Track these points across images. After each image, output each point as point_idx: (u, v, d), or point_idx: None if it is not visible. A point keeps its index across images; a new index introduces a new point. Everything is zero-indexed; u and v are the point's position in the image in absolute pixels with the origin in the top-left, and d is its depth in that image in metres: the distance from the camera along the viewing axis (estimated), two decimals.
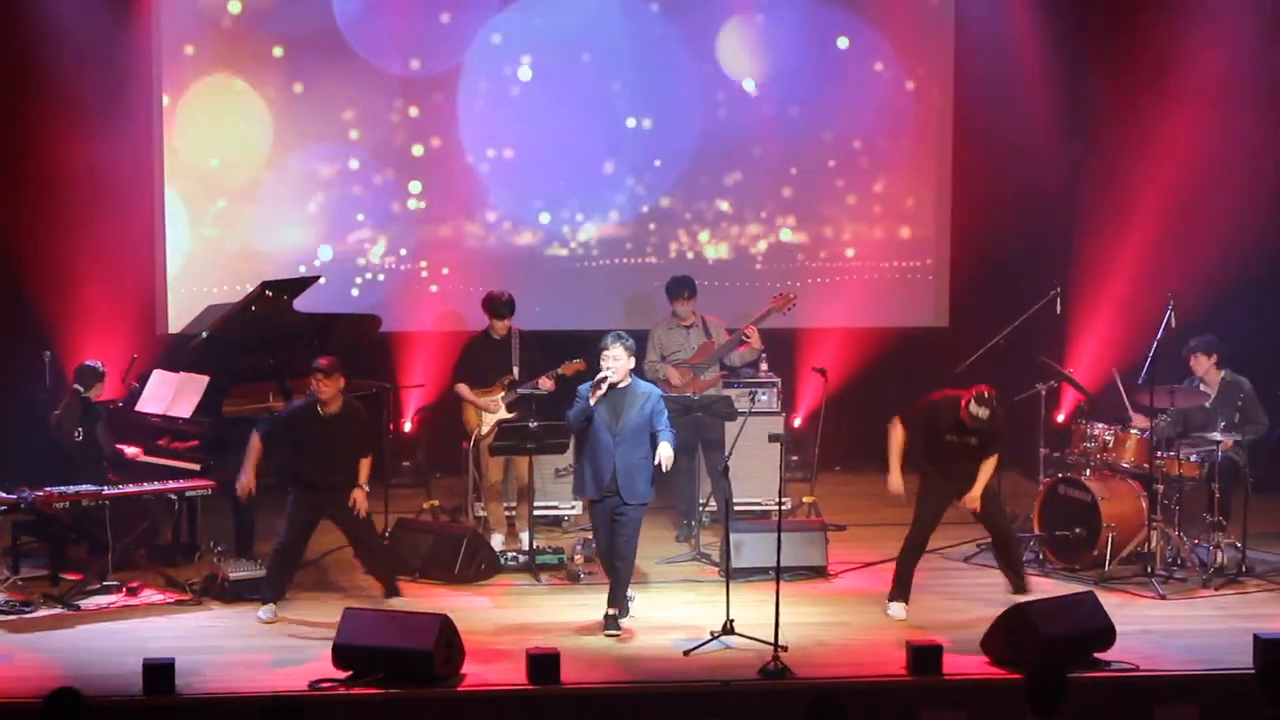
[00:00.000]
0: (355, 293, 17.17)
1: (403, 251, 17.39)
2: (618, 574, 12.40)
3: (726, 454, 13.32)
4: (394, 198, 17.36)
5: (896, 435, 13.36)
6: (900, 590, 13.07)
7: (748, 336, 15.03)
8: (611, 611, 12.37)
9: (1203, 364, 14.52)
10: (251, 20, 17.02)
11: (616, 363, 12.28)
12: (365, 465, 13.19)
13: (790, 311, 15.34)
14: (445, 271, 17.42)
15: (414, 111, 17.28)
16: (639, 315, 17.03)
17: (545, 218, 17.55)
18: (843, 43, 17.68)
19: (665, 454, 12.28)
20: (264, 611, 12.78)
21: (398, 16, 17.20)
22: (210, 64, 17.01)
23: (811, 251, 17.87)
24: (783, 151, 17.77)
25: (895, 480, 13.37)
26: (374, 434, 13.64)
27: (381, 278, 17.36)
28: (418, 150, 17.34)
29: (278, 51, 17.03)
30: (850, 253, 17.91)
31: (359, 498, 13.11)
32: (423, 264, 17.45)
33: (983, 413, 12.90)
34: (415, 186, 17.36)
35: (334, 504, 13.07)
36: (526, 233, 17.58)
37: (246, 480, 13.16)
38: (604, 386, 12.25)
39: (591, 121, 17.53)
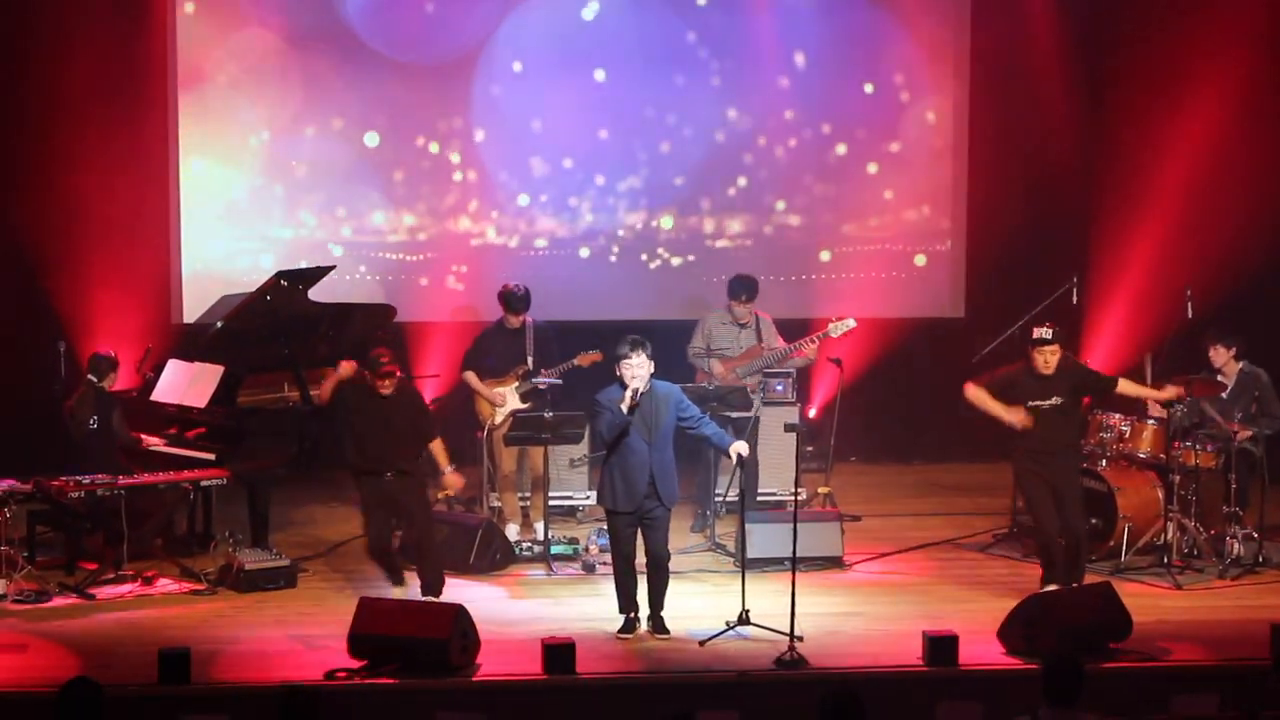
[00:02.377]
0: (370, 283, 17.16)
1: (420, 241, 17.40)
2: (661, 577, 12.22)
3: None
4: (410, 188, 17.37)
5: (979, 393, 12.98)
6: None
7: (805, 349, 14.98)
8: (661, 614, 12.21)
9: (1222, 355, 14.43)
10: (265, 15, 17.05)
11: (640, 369, 11.94)
12: (439, 449, 13.47)
13: (844, 336, 15.21)
14: (461, 265, 17.42)
15: (431, 102, 17.29)
16: (657, 307, 17.07)
17: (563, 209, 17.55)
18: (858, 32, 17.67)
19: (743, 448, 12.20)
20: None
21: (412, 8, 17.21)
22: (225, 57, 17.02)
23: (827, 242, 17.86)
24: (798, 143, 17.76)
25: (1015, 413, 12.91)
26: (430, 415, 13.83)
27: (397, 268, 17.37)
28: (435, 143, 17.35)
29: (291, 47, 17.06)
30: (866, 243, 17.90)
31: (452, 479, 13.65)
32: (438, 254, 17.44)
33: (1047, 334, 12.79)
34: (432, 177, 17.37)
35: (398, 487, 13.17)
36: (545, 224, 17.57)
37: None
38: (633, 397, 11.87)
39: (611, 114, 17.53)
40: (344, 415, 13.28)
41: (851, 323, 15.04)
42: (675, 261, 17.58)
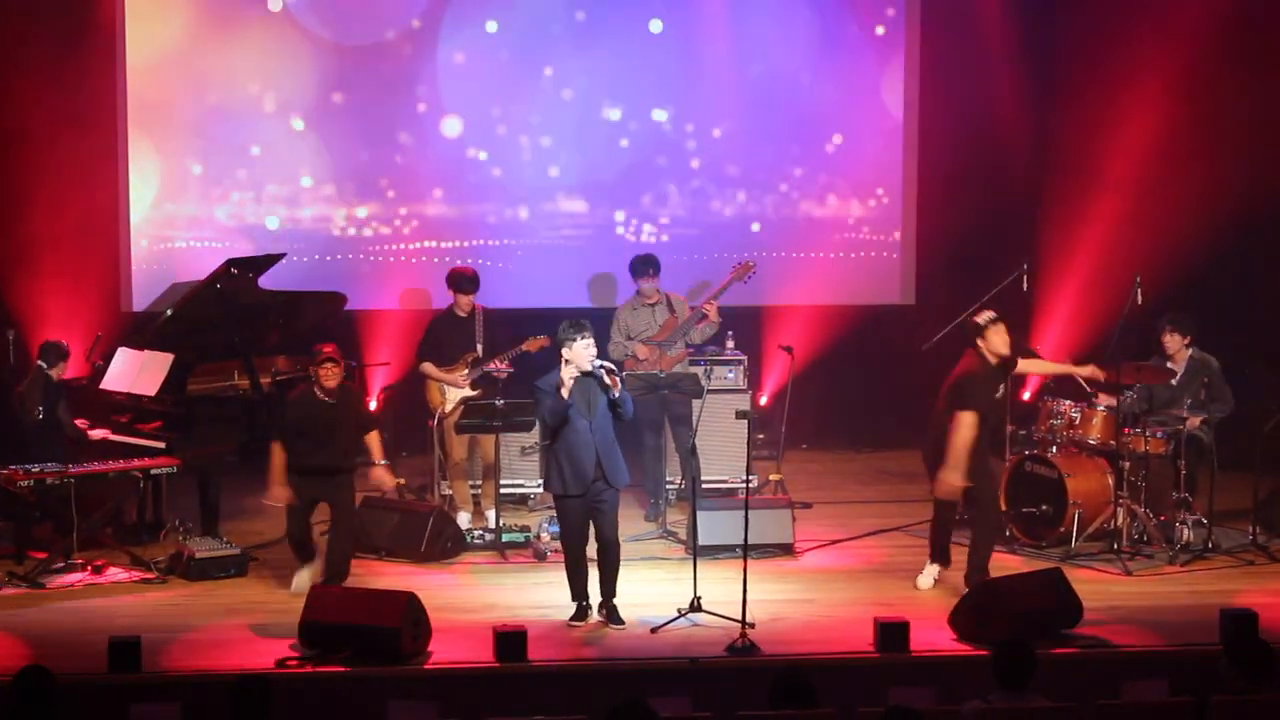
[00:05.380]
0: (320, 270, 17.09)
1: (368, 229, 17.37)
2: (611, 562, 12.18)
3: (693, 431, 13.29)
4: (360, 174, 17.32)
5: (973, 433, 12.67)
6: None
7: (706, 312, 14.93)
8: (614, 602, 12.15)
9: (1176, 342, 14.39)
10: (210, 5, 17.02)
11: (593, 350, 11.92)
12: (375, 441, 13.13)
13: (749, 280, 15.22)
14: (410, 248, 17.39)
15: (378, 87, 17.24)
16: (603, 294, 17.06)
17: (510, 196, 17.53)
18: (806, 19, 17.67)
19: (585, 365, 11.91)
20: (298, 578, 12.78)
21: None
22: (175, 36, 16.95)
23: (777, 229, 17.86)
24: (747, 128, 17.75)
25: (958, 478, 12.71)
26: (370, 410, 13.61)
27: (347, 255, 17.33)
28: (385, 126, 17.31)
29: (242, 27, 17.02)
30: (816, 231, 17.91)
31: (383, 475, 13.22)
32: (388, 242, 17.40)
33: (993, 313, 12.84)
34: (381, 163, 17.33)
35: (329, 486, 12.83)
36: (492, 210, 17.54)
37: (280, 492, 12.81)
38: (611, 376, 11.84)
39: (557, 98, 17.51)
40: (292, 425, 12.86)
41: (752, 264, 15.16)
42: (622, 248, 17.50)
